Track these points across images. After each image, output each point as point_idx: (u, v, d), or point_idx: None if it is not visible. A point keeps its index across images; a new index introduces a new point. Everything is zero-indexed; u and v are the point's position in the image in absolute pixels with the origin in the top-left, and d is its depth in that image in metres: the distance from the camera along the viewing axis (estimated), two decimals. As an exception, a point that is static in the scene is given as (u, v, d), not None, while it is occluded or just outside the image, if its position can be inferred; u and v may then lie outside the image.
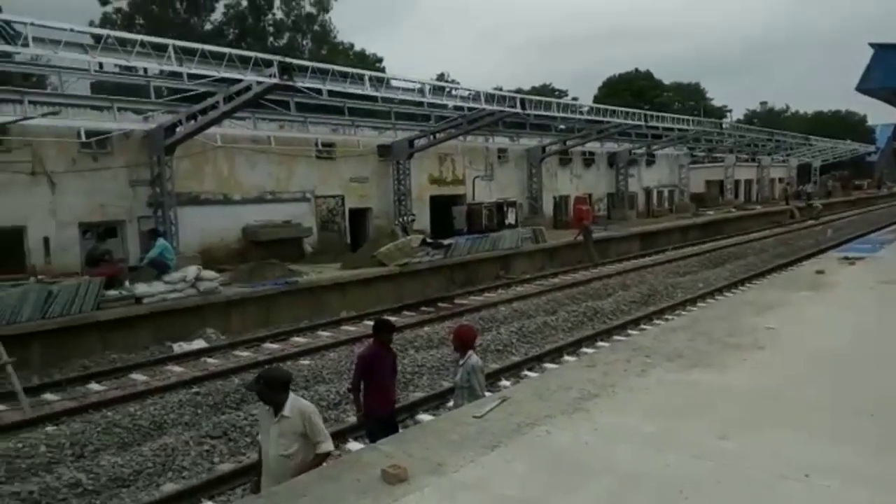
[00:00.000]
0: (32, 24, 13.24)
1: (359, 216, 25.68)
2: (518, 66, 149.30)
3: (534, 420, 5.32)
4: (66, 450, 8.20)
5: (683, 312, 14.73)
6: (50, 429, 8.92)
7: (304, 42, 40.46)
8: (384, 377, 6.80)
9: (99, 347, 12.96)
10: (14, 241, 16.88)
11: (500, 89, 29.42)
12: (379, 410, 6.73)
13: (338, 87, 19.21)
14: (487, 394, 6.73)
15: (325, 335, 14.63)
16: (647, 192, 42.14)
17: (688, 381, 6.34)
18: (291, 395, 4.70)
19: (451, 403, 7.68)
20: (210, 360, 12.59)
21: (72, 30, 14.18)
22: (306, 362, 11.99)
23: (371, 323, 8.28)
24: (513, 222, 27.09)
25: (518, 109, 24.49)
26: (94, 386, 11.02)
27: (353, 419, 8.54)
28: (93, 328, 12.93)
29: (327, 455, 4.77)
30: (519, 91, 40.07)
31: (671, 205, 43.59)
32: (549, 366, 11.47)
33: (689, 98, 70.17)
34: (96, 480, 7.36)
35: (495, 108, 23.78)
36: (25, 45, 13.15)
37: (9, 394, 10.05)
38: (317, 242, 23.60)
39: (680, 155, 45.15)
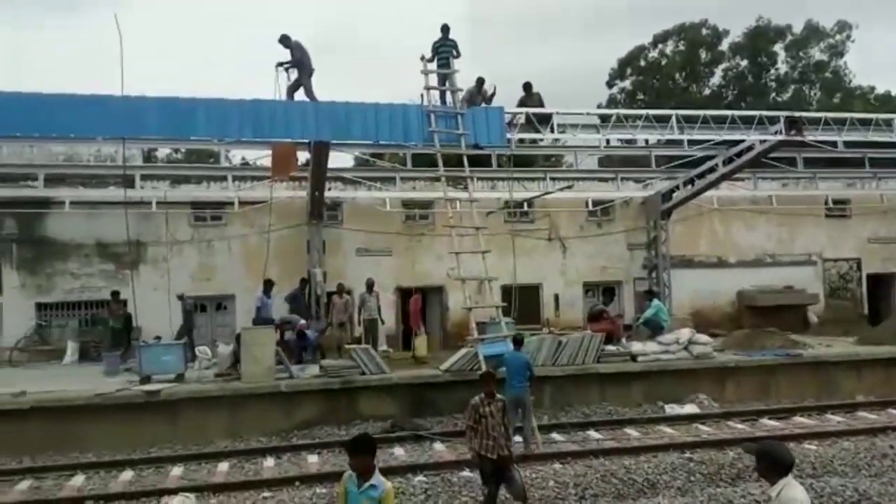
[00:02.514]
0: (557, 112, 15.62)
1: (880, 283, 21.82)
2: None
3: None
4: (570, 489, 9.03)
5: None
6: (557, 466, 9.95)
7: (812, 93, 37.26)
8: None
9: (597, 398, 14.00)
10: (532, 296, 19.84)
11: None
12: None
13: (857, 137, 16.98)
14: None
15: (835, 419, 12.70)
16: None
17: None
18: (788, 480, 4.11)
19: None
20: (702, 427, 12.26)
21: (587, 113, 16.23)
22: (812, 447, 10.57)
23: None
24: None
25: None
26: (592, 433, 11.88)
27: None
28: (593, 379, 14.07)
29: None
30: None
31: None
32: None
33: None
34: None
35: None
36: (551, 130, 15.58)
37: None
38: (823, 311, 20.97)
39: None
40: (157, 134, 14.54)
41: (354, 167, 22.16)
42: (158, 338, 15.03)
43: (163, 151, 27.63)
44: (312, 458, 10.83)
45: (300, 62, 14.12)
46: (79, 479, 10.04)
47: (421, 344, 15.91)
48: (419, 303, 16.91)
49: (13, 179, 17.76)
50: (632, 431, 12.03)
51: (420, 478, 9.45)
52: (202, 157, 26.48)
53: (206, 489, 9.08)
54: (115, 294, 16.53)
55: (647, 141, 20.65)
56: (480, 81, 15.75)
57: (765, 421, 12.72)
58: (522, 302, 17.22)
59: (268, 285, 16.03)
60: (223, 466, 10.53)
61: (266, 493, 9.05)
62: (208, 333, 18.29)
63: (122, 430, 11.75)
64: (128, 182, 17.01)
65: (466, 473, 9.49)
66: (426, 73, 14.73)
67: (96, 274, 17.86)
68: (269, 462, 10.72)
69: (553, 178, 20.40)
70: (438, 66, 14.97)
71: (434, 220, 19.78)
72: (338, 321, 16.41)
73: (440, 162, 14.03)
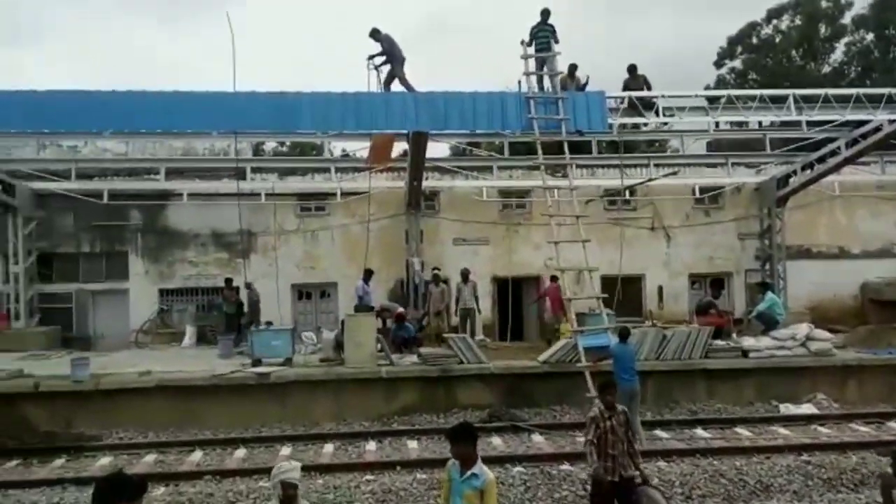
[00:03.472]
0: (663, 95, 15.03)
1: None
2: None
3: None
4: (676, 487, 8.74)
5: None
6: (662, 463, 9.65)
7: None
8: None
9: (704, 395, 13.44)
10: (634, 287, 19.28)
11: None
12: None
13: None
14: None
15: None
16: None
17: None
18: None
19: None
20: (821, 429, 11.51)
21: (695, 95, 15.51)
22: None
23: None
24: None
25: None
26: (699, 431, 11.43)
27: None
28: (700, 375, 13.51)
29: None
30: None
31: None
32: None
33: None
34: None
35: None
36: (656, 114, 15.01)
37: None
38: (964, 308, 19.04)
39: None
40: (266, 128, 15.21)
41: (451, 157, 22.31)
42: (269, 323, 15.79)
43: (269, 145, 28.98)
44: (412, 444, 11.06)
45: (390, 53, 14.31)
46: (197, 455, 10.75)
47: (566, 330, 15.83)
48: (559, 290, 16.77)
49: (137, 174, 19.15)
50: (743, 431, 11.47)
51: (518, 469, 9.44)
52: (306, 149, 27.52)
53: (312, 469, 9.47)
54: (229, 281, 17.55)
55: (760, 123, 19.55)
56: (573, 68, 15.40)
57: (892, 424, 11.78)
58: (623, 293, 16.77)
59: (368, 274, 16.47)
60: (328, 448, 10.96)
61: (369, 476, 9.33)
62: (313, 320, 19.06)
63: (236, 410, 12.46)
64: (240, 174, 17.94)
65: (567, 467, 9.39)
66: (525, 57, 14.54)
67: (211, 262, 18.99)
68: (371, 446, 11.03)
69: (657, 165, 19.67)
70: (537, 52, 14.76)
71: (531, 209, 19.60)
72: (435, 310, 16.64)
73: (539, 149, 13.83)
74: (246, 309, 17.06)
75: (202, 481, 9.35)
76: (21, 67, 56.55)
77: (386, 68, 14.39)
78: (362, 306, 15.72)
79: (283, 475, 4.62)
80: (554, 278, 16.38)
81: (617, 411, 6.61)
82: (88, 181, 18.45)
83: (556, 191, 18.70)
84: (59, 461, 10.57)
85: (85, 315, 18.87)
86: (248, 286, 17.17)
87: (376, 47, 14.42)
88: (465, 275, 16.71)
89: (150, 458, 10.69)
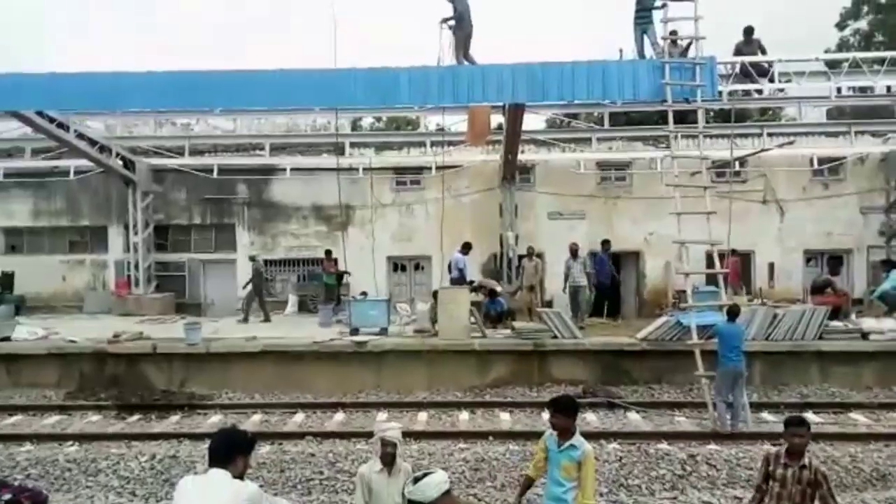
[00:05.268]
0: (779, 60, 14.08)
1: None
2: None
3: None
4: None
5: None
6: (768, 446, 9.13)
7: None
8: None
9: (817, 378, 12.70)
10: (743, 264, 18.36)
11: None
12: None
13: None
14: None
15: None
16: None
17: None
18: None
19: None
20: (951, 419, 10.63)
21: (815, 59, 14.42)
22: None
23: None
24: None
25: None
26: (811, 416, 10.71)
27: None
28: (813, 357, 12.76)
29: None
30: None
31: None
32: None
33: None
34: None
35: None
36: (770, 81, 14.08)
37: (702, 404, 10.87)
38: None
39: None
40: (365, 104, 15.50)
41: (547, 129, 21.96)
42: (364, 293, 16.27)
43: (366, 121, 29.59)
44: (504, 416, 11.15)
45: (461, 17, 13.94)
46: (299, 417, 11.34)
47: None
48: (738, 264, 16.59)
49: (245, 149, 20.12)
50: (859, 417, 10.80)
51: (614, 445, 9.34)
52: (401, 124, 27.91)
53: (407, 435, 9.72)
54: (328, 252, 18.20)
55: (888, 88, 17.90)
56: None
57: None
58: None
59: (466, 247, 16.53)
60: (422, 416, 11.25)
61: (462, 444, 9.49)
62: (408, 291, 19.48)
63: (335, 376, 12.99)
64: (339, 150, 18.48)
65: (664, 446, 9.19)
66: (666, 21, 13.66)
67: (312, 234, 19.75)
68: (464, 415, 11.22)
69: (770, 134, 18.55)
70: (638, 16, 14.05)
71: (631, 182, 19.03)
72: (528, 284, 16.54)
73: (671, 118, 13.02)
74: (252, 284, 17.20)
75: (304, 441, 9.84)
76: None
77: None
78: (459, 279, 15.83)
79: (384, 433, 4.79)
80: (733, 252, 15.88)
81: (803, 464, 4.85)
82: (200, 157, 19.62)
83: (658, 161, 18.07)
84: (175, 417, 11.44)
85: (196, 283, 20.20)
86: (252, 259, 17.59)
87: (449, 10, 14.09)
88: (574, 250, 15.99)
89: (256, 417, 11.37)
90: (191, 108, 16.91)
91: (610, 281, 16.84)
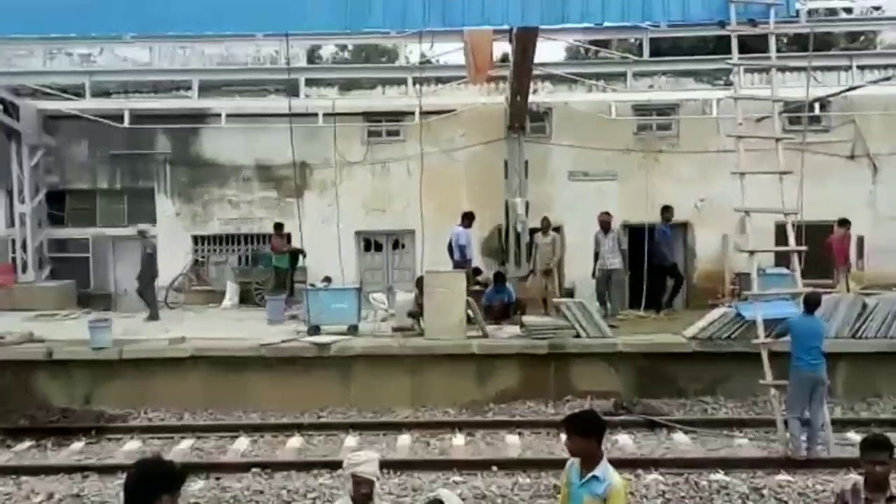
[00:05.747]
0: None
1: None
2: None
3: None
4: None
5: None
6: (856, 476, 9.28)
7: None
8: None
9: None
10: (823, 237, 18.33)
11: None
12: None
13: None
14: None
15: None
16: None
17: None
18: None
19: None
20: None
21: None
22: None
23: None
24: None
25: None
26: None
27: None
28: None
29: None
30: None
31: None
32: None
33: None
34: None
35: None
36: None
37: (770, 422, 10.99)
38: None
39: None
40: (326, 27, 15.28)
41: (567, 60, 21.87)
42: (327, 280, 16.27)
43: (327, 50, 29.28)
44: (512, 439, 11.23)
45: None
46: (243, 443, 11.36)
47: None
48: (847, 239, 16.77)
49: (165, 89, 19.92)
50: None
51: (655, 475, 9.41)
52: (373, 54, 27.66)
53: (387, 465, 9.77)
54: (279, 226, 18.14)
55: None
56: None
57: None
58: (808, 247, 16.03)
59: (468, 219, 16.49)
60: (404, 440, 11.31)
61: (457, 477, 9.56)
62: (384, 277, 19.48)
63: (289, 388, 13.01)
64: (291, 89, 18.27)
65: (721, 476, 9.27)
66: None
67: (256, 202, 19.70)
68: (459, 439, 11.29)
69: (861, 67, 18.53)
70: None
71: (678, 132, 19.00)
72: (543, 267, 16.56)
73: (734, 45, 12.77)
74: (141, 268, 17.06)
75: (249, 475, 9.86)
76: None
77: None
78: (462, 262, 15.81)
79: (355, 467, 4.76)
80: (843, 222, 16.28)
81: (890, 495, 4.73)
82: (106, 99, 19.41)
83: (714, 104, 18.02)
84: (79, 444, 11.46)
85: (104, 267, 20.15)
86: (142, 234, 17.53)
87: None
88: (604, 223, 16.14)
89: (186, 443, 11.39)
90: (91, 34, 16.67)
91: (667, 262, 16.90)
